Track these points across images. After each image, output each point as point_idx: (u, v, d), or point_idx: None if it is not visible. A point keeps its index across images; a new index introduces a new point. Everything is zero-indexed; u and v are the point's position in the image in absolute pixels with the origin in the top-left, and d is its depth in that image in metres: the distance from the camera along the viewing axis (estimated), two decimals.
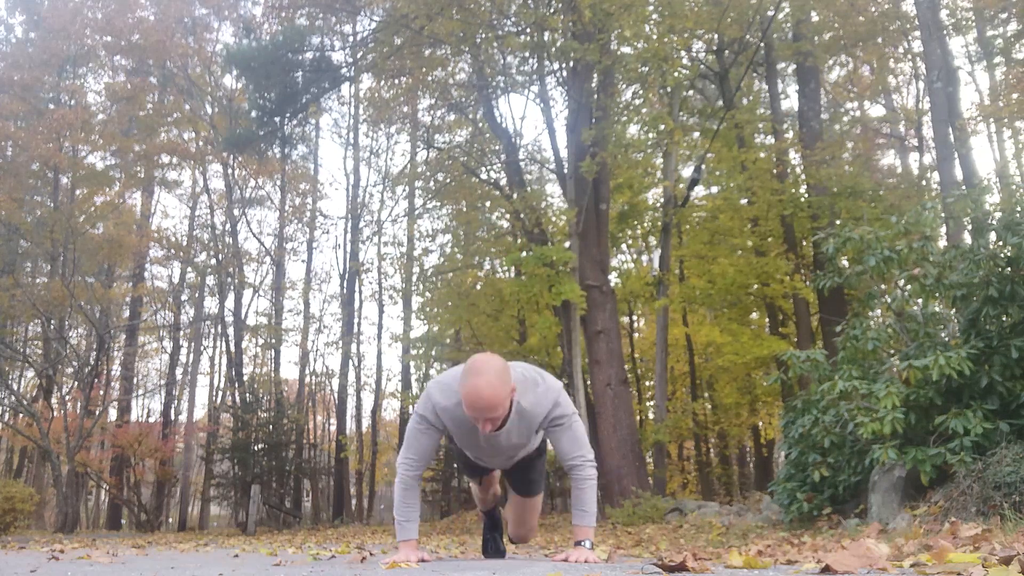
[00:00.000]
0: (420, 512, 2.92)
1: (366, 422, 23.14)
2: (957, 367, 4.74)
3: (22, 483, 13.79)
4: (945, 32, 12.25)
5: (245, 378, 21.90)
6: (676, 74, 12.64)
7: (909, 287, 5.74)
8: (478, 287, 16.79)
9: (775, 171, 14.22)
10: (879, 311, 6.76)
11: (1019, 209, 5.28)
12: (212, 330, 25.33)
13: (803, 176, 14.34)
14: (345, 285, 21.95)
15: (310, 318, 23.36)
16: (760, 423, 19.51)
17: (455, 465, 17.41)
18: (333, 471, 21.43)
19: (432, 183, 15.69)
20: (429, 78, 14.15)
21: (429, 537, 8.78)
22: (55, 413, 17.49)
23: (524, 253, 12.16)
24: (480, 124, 14.82)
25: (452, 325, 16.97)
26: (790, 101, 17.32)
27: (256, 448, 18.95)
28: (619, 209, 16.35)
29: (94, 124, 20.71)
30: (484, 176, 14.97)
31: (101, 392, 19.67)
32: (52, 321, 18.42)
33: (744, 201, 15.19)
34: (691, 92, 16.76)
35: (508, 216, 15.93)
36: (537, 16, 11.98)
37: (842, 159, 15.44)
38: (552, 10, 12.45)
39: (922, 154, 16.73)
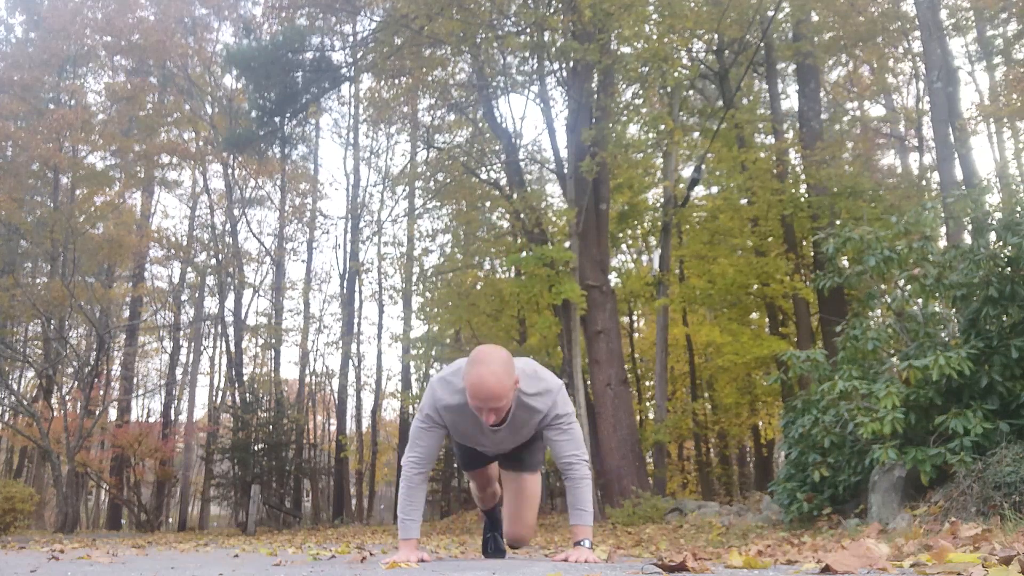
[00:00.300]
0: (423, 512, 2.91)
1: (366, 422, 23.16)
2: (957, 367, 4.74)
3: (22, 483, 13.79)
4: (945, 32, 12.24)
5: (245, 378, 21.90)
6: (676, 74, 12.65)
7: (909, 287, 5.74)
8: (478, 287, 16.79)
9: (775, 171, 14.22)
10: (879, 311, 6.76)
11: (1019, 209, 5.28)
12: (212, 330, 25.34)
13: (803, 176, 14.34)
14: (345, 285, 21.95)
15: (310, 318, 23.37)
16: (760, 423, 19.51)
17: (455, 465, 17.42)
18: (333, 471, 21.43)
19: (432, 183, 15.69)
20: (429, 78, 14.15)
21: (429, 537, 8.78)
22: (55, 413, 17.48)
23: (524, 253, 12.16)
24: (480, 124, 14.82)
25: (452, 325, 16.97)
26: (790, 101, 17.34)
27: (256, 448, 18.95)
28: (619, 209, 16.35)
29: (94, 124, 20.71)
30: (484, 176, 14.97)
31: (101, 392, 19.66)
32: (52, 321, 18.42)
33: (744, 201, 15.19)
34: (691, 92, 16.76)
35: (508, 216, 15.93)
36: (537, 16, 11.98)
37: (842, 159, 15.44)
38: (552, 10, 12.45)
39: (922, 154, 16.73)
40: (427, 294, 17.13)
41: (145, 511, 19.25)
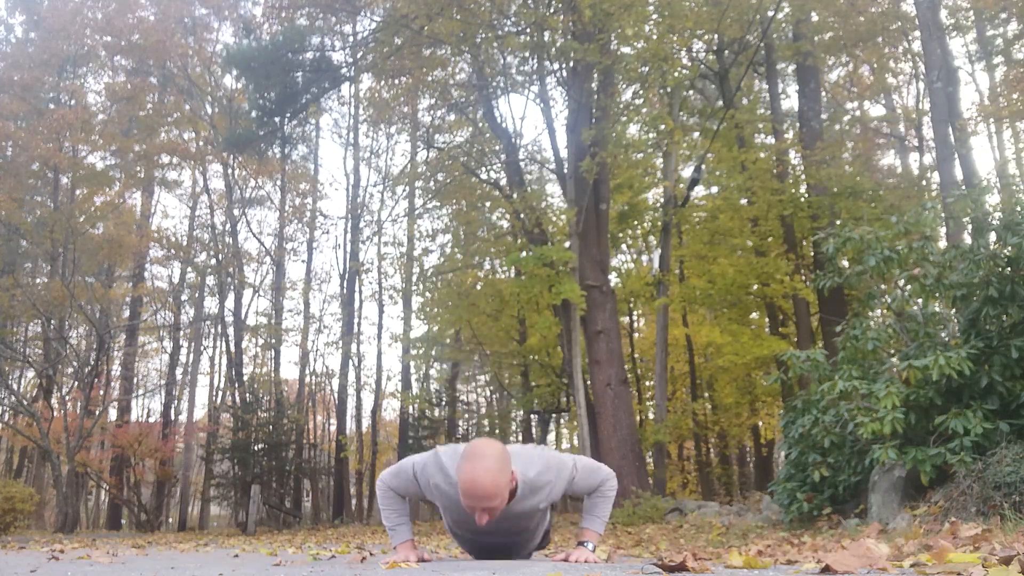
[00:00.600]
0: (416, 513, 2.90)
1: (366, 422, 23.15)
2: (957, 367, 4.74)
3: (22, 483, 13.79)
4: (945, 32, 12.24)
5: (245, 378, 21.90)
6: (676, 74, 12.65)
7: (909, 287, 5.74)
8: (478, 287, 16.79)
9: (775, 171, 14.22)
10: (879, 311, 6.76)
11: (1019, 209, 5.28)
12: (212, 330, 25.34)
13: (803, 176, 14.34)
14: (345, 285, 21.94)
15: (310, 318, 23.36)
16: (760, 423, 19.51)
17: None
18: (333, 471, 21.43)
19: (432, 183, 15.69)
20: (429, 78, 14.15)
21: (429, 537, 8.78)
22: (55, 413, 17.48)
23: (524, 253, 12.15)
24: (480, 124, 14.82)
25: (452, 325, 16.97)
26: (790, 101, 17.34)
27: (256, 448, 18.95)
28: (619, 209, 16.35)
29: (94, 124, 20.71)
30: (484, 176, 14.97)
31: (101, 392, 19.66)
32: (52, 321, 18.42)
33: (744, 201, 15.19)
34: (691, 92, 16.76)
35: (508, 216, 15.94)
36: (537, 16, 11.98)
37: (842, 159, 15.44)
38: (552, 10, 12.45)
39: (922, 154, 16.73)
40: (427, 294, 17.13)
41: (145, 511, 19.25)
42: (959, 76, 13.36)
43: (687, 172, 16.12)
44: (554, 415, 18.62)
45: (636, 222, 17.54)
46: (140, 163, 21.20)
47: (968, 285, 5.30)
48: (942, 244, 7.20)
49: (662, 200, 15.06)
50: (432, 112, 16.62)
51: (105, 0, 20.68)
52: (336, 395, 23.34)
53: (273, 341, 23.33)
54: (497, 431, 22.19)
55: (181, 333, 24.58)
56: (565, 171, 12.70)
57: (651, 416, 18.79)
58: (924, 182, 15.07)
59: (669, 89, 14.09)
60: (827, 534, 4.82)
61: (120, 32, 19.66)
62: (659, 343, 14.56)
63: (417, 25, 11.90)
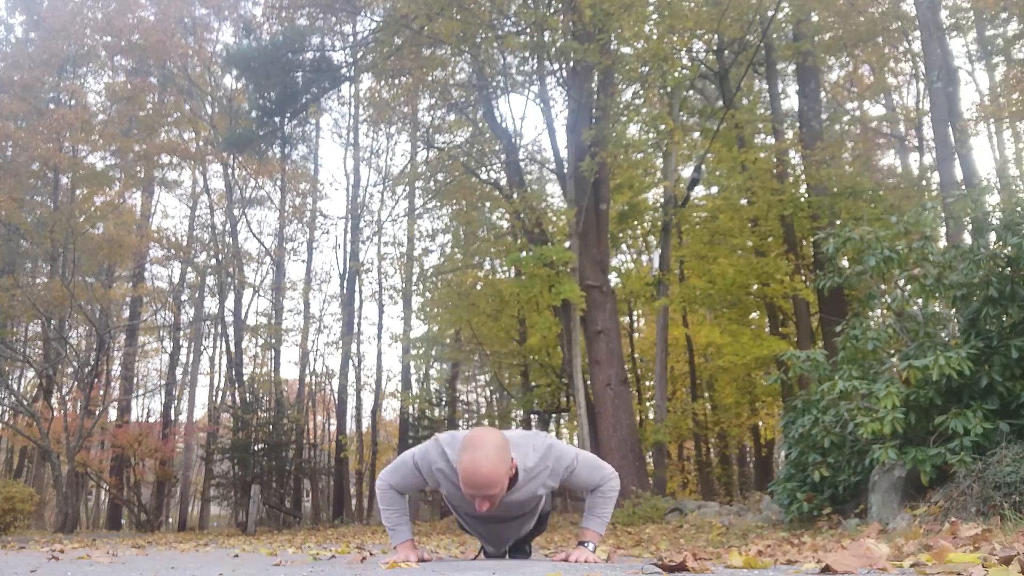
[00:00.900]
0: (416, 513, 2.91)
1: (366, 422, 23.15)
2: (957, 367, 4.74)
3: (22, 483, 13.79)
4: (945, 32, 12.24)
5: (245, 378, 21.90)
6: (676, 74, 12.65)
7: (909, 287, 5.74)
8: (478, 287, 16.79)
9: (775, 171, 14.21)
10: (879, 311, 6.75)
11: (1019, 209, 5.28)
12: (212, 330, 25.34)
13: (803, 176, 14.33)
14: (345, 285, 21.95)
15: (310, 318, 23.37)
16: (760, 423, 19.51)
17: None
18: (333, 471, 21.43)
19: (432, 183, 15.69)
20: (429, 78, 14.15)
21: (429, 537, 8.78)
22: (55, 413, 17.48)
23: (524, 253, 12.15)
24: (480, 124, 14.82)
25: (452, 325, 16.97)
26: (790, 101, 17.33)
27: (256, 448, 18.95)
28: (619, 209, 16.34)
29: (94, 124, 20.71)
30: (484, 176, 14.97)
31: (101, 392, 19.66)
32: (52, 321, 18.42)
33: (744, 201, 15.19)
34: (691, 92, 16.76)
35: (508, 216, 15.93)
36: (537, 16, 11.98)
37: (842, 159, 15.44)
38: (552, 10, 12.45)
39: (922, 154, 16.73)
40: (427, 294, 17.12)
41: (145, 511, 19.25)
42: (959, 76, 13.36)
43: (687, 172, 16.13)
44: (554, 415, 18.61)
45: (636, 222, 17.53)
46: (140, 163, 21.20)
47: (968, 285, 5.30)
48: (942, 244, 7.20)
49: (662, 200, 15.06)
50: (432, 112, 16.62)
51: (105, 0, 20.68)
52: (336, 395, 23.36)
53: (273, 341, 23.33)
54: None
55: (181, 333, 24.58)
56: (565, 171, 12.70)
57: (651, 416, 18.78)
58: (924, 182, 15.07)
59: (669, 89, 14.08)
60: (827, 534, 4.82)
61: (120, 32, 19.66)
62: (659, 343, 14.55)
63: (417, 25, 11.90)
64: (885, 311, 6.47)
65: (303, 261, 25.05)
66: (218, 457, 20.04)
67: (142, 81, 20.95)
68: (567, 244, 12.27)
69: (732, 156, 14.65)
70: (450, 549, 5.17)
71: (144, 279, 23.63)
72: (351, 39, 14.97)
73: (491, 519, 2.91)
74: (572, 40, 11.59)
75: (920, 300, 5.81)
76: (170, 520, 23.81)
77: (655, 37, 11.79)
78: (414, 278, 17.13)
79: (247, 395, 20.27)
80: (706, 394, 20.75)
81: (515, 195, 12.93)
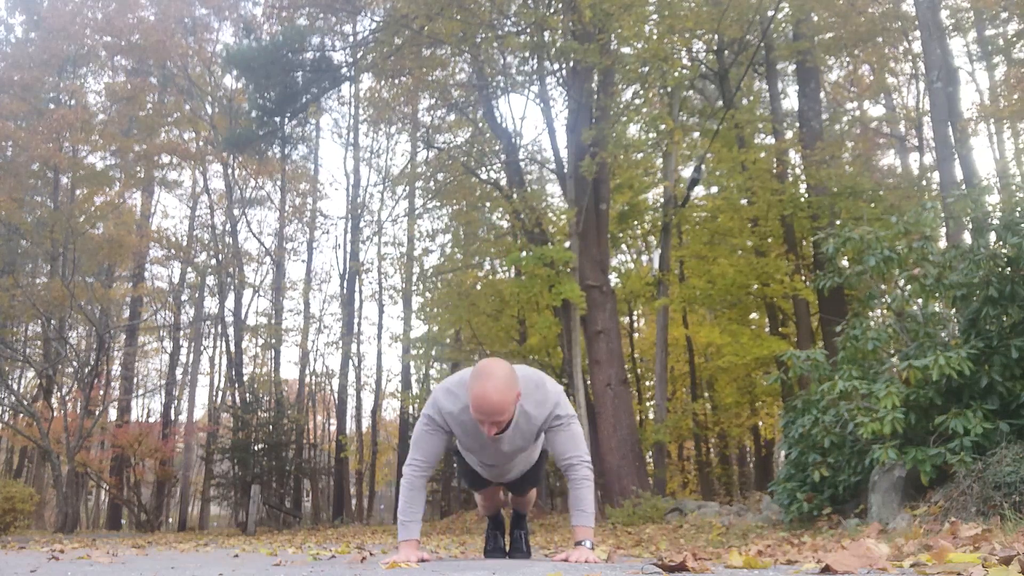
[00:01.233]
0: (423, 513, 2.95)
1: (366, 422, 23.16)
2: (957, 367, 4.74)
3: (22, 483, 13.78)
4: (945, 32, 12.25)
5: (245, 378, 21.90)
6: (676, 74, 12.64)
7: (909, 287, 5.74)
8: (478, 287, 16.78)
9: (775, 171, 14.21)
10: (879, 311, 6.76)
11: (1019, 209, 5.28)
12: (212, 330, 25.35)
13: (803, 176, 14.33)
14: (345, 285, 21.95)
15: (310, 318, 23.36)
16: (760, 423, 19.51)
17: (455, 465, 17.39)
18: (333, 471, 21.43)
19: (432, 183, 15.69)
20: (429, 78, 14.15)
21: (429, 537, 8.78)
22: (55, 413, 17.48)
23: (524, 253, 12.15)
24: (480, 124, 14.82)
25: (452, 325, 16.96)
26: (790, 101, 17.33)
27: (256, 448, 18.95)
28: (619, 209, 16.34)
29: (94, 124, 20.71)
30: (484, 176, 14.97)
31: (101, 392, 19.67)
32: (52, 321, 18.41)
33: (744, 201, 15.18)
34: (691, 92, 16.76)
35: (508, 216, 15.93)
36: (537, 16, 11.98)
37: (842, 159, 15.43)
38: (552, 10, 12.45)
39: (922, 154, 16.73)
40: (427, 294, 17.11)
41: (145, 511, 19.25)
42: (959, 76, 13.35)
43: (687, 172, 16.12)
44: None
45: (636, 222, 17.53)
46: (140, 163, 21.20)
47: (968, 285, 5.30)
48: (942, 244, 7.20)
49: (662, 200, 15.06)
50: (432, 112, 16.62)
51: (105, 0, 20.69)
52: (336, 395, 23.36)
53: (273, 341, 23.33)
54: None
55: (181, 333, 24.58)
56: (565, 171, 12.70)
57: (651, 416, 18.79)
58: (924, 182, 15.06)
59: (669, 89, 14.08)
60: (827, 534, 4.82)
61: (120, 32, 19.66)
62: (659, 343, 14.55)
63: (417, 25, 11.90)
64: (885, 311, 6.47)
65: (303, 261, 25.09)
66: (218, 457, 20.04)
67: (142, 81, 20.95)
68: (567, 244, 12.27)
69: (732, 156, 14.65)
70: (450, 549, 5.17)
71: (144, 279, 23.64)
72: (351, 39, 14.98)
73: (498, 456, 3.03)
74: (572, 40, 11.59)
75: (920, 300, 5.81)
76: (170, 520, 23.81)
77: (655, 37, 11.79)
78: (414, 278, 17.13)
79: (247, 395, 20.27)
80: (706, 394, 20.75)
81: (515, 195, 12.93)
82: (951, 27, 13.63)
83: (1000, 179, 13.97)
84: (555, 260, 11.28)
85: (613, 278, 15.18)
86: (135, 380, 25.67)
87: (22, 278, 19.75)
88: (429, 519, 17.22)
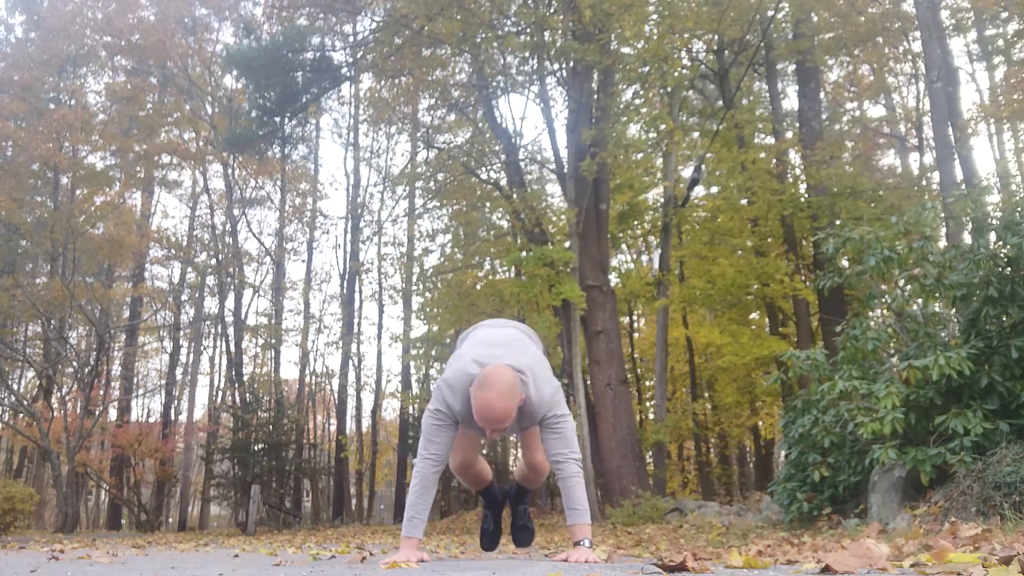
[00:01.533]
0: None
1: (366, 422, 23.15)
2: (957, 367, 4.74)
3: (22, 483, 13.78)
4: (945, 32, 12.24)
5: (245, 378, 21.89)
6: (676, 74, 12.64)
7: (909, 287, 5.74)
8: (478, 287, 16.76)
9: (775, 171, 14.21)
10: (879, 311, 6.75)
11: (1019, 209, 5.28)
12: (212, 330, 25.34)
13: (803, 176, 14.33)
14: (345, 285, 21.94)
15: (310, 318, 23.36)
16: (760, 423, 19.50)
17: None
18: (333, 471, 21.42)
19: (432, 183, 15.68)
20: (429, 78, 14.15)
21: (429, 537, 8.78)
22: (55, 413, 17.47)
23: (524, 253, 12.15)
24: (480, 124, 14.82)
25: (452, 325, 16.91)
26: (790, 101, 17.33)
27: (256, 448, 18.94)
28: (619, 209, 16.35)
29: (94, 124, 20.70)
30: (484, 176, 14.96)
31: (101, 392, 19.66)
32: (52, 321, 18.41)
33: (744, 201, 15.18)
34: (691, 92, 16.75)
35: (508, 216, 15.92)
36: (537, 16, 11.98)
37: (842, 159, 15.43)
38: (552, 10, 12.45)
39: (922, 154, 16.73)
40: (427, 294, 17.10)
41: (145, 511, 19.24)
42: (959, 76, 13.36)
43: (687, 172, 16.12)
44: None
45: (636, 222, 17.53)
46: (140, 163, 21.19)
47: (968, 285, 5.30)
48: (942, 244, 7.20)
49: (662, 200, 15.05)
50: (432, 112, 16.62)
51: (105, 0, 20.69)
52: (336, 395, 23.35)
53: (273, 341, 23.32)
54: None
55: (181, 333, 24.58)
56: (565, 171, 12.70)
57: (651, 416, 18.78)
58: (924, 182, 15.06)
59: (669, 89, 14.07)
60: (827, 534, 4.82)
61: (120, 32, 19.66)
62: (659, 343, 14.55)
63: (417, 25, 11.90)
64: (885, 311, 6.47)
65: (303, 261, 25.07)
66: (218, 457, 20.04)
67: (142, 81, 20.95)
68: (567, 244, 12.26)
69: (732, 156, 14.65)
70: (450, 549, 5.17)
71: (144, 279, 23.63)
72: (351, 39, 14.97)
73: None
74: (572, 40, 11.59)
75: (920, 300, 5.81)
76: (170, 520, 23.80)
77: (655, 37, 11.79)
78: (414, 278, 17.12)
79: (247, 395, 20.26)
80: (706, 394, 20.74)
81: (515, 195, 12.93)
82: (951, 27, 13.64)
83: (1000, 179, 13.97)
84: (555, 260, 11.28)
85: (613, 278, 15.19)
86: (135, 380, 25.66)
87: (22, 278, 19.75)
88: (429, 519, 17.21)
